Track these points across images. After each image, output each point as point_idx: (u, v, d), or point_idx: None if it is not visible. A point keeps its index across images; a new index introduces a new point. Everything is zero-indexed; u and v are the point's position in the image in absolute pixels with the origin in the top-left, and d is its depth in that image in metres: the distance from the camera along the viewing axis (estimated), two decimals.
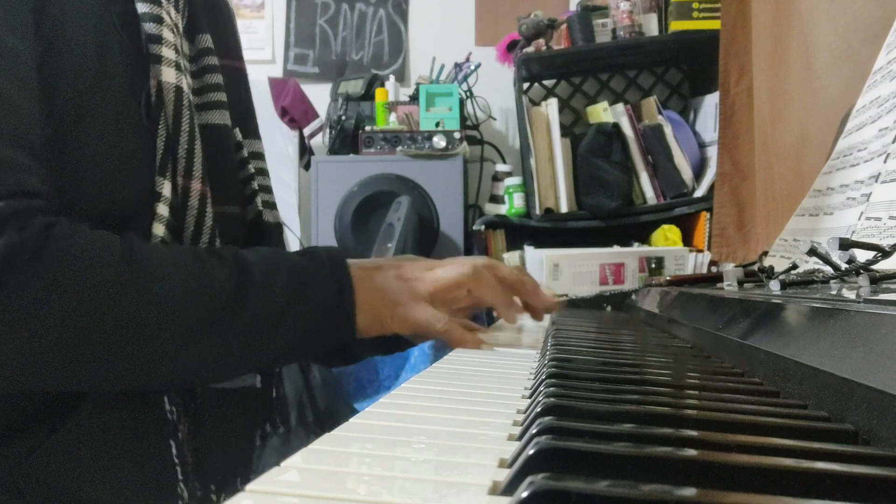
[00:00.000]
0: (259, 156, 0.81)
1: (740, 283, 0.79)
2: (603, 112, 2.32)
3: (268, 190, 0.81)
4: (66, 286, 0.55)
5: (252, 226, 0.77)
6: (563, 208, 2.26)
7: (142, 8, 0.67)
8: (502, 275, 0.78)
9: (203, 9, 0.75)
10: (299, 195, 2.51)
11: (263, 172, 0.81)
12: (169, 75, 0.67)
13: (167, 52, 0.67)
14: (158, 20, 0.67)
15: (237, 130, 0.77)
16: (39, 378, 0.57)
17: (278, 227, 0.81)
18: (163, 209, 0.65)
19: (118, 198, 0.63)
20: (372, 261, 0.74)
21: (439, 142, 2.28)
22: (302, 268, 0.67)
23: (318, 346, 0.69)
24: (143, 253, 0.60)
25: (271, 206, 0.80)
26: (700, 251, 2.10)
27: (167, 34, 0.67)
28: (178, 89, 0.67)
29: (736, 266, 0.85)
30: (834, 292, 0.55)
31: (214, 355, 0.62)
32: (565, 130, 2.39)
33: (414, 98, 2.44)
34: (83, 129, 0.62)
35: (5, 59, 0.58)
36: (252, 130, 0.81)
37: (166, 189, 0.66)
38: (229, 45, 0.79)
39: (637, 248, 2.17)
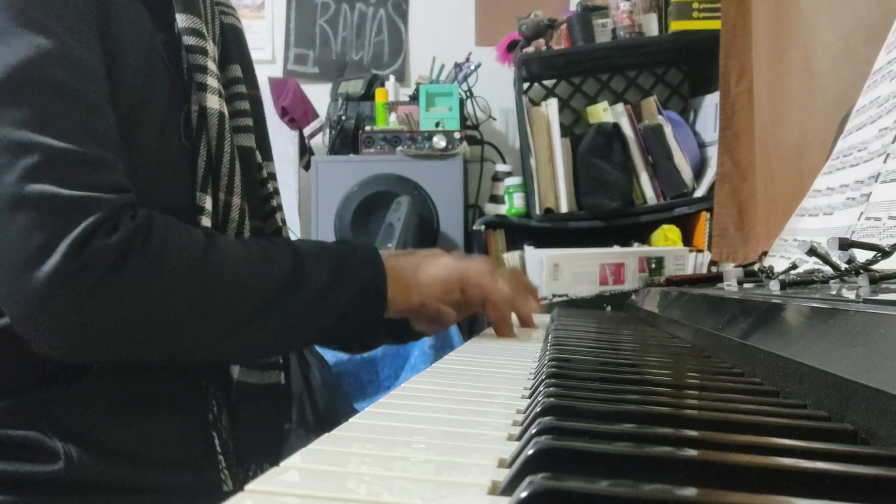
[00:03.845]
0: (274, 177, 0.89)
1: (740, 283, 0.79)
2: (603, 112, 2.32)
3: (281, 208, 0.89)
4: (164, 266, 0.64)
5: (272, 239, 0.85)
6: (563, 208, 2.26)
7: (188, 41, 0.74)
8: (520, 279, 0.89)
9: (233, 42, 0.83)
10: (299, 195, 2.51)
11: (277, 192, 0.89)
12: (213, 102, 0.74)
13: (211, 81, 0.75)
14: (204, 52, 0.75)
15: (257, 153, 0.84)
16: (138, 345, 0.65)
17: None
18: (206, 222, 0.73)
19: (156, 209, 0.68)
20: (398, 251, 0.85)
21: (439, 142, 2.28)
22: (343, 253, 0.76)
23: (357, 320, 0.77)
24: (219, 241, 0.69)
25: (284, 222, 0.89)
26: (700, 251, 2.10)
27: (210, 65, 0.75)
28: (222, 115, 0.75)
29: (736, 266, 0.85)
30: (834, 292, 0.55)
31: (276, 329, 0.70)
32: (565, 130, 2.39)
33: (414, 98, 2.44)
34: (130, 143, 0.68)
35: (83, 69, 0.64)
36: (268, 153, 0.88)
37: (208, 203, 0.73)
38: (249, 75, 0.86)
39: (637, 249, 2.17)
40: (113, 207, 0.62)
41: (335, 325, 0.75)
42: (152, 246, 0.63)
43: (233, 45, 0.83)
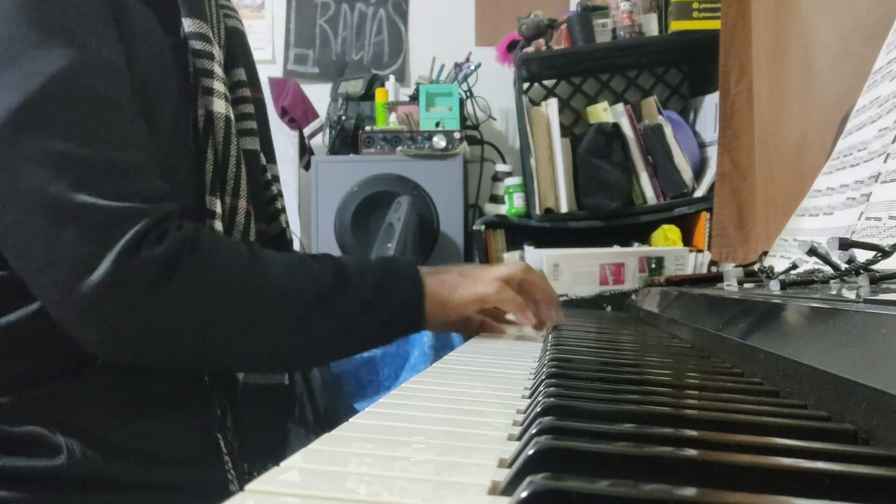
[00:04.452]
0: (278, 179, 0.90)
1: (740, 283, 0.79)
2: (603, 112, 2.32)
3: (285, 210, 0.90)
4: (213, 277, 0.66)
5: (275, 241, 0.86)
6: (563, 208, 2.26)
7: (195, 45, 0.75)
8: (535, 291, 0.87)
9: (237, 46, 0.84)
10: (299, 195, 2.51)
11: (281, 194, 0.90)
12: (220, 106, 0.75)
13: (217, 86, 0.75)
14: (210, 56, 0.75)
15: (262, 155, 0.85)
16: (185, 351, 0.67)
17: (292, 244, 0.92)
18: (218, 225, 0.74)
19: None
20: (437, 267, 0.86)
21: (439, 142, 2.28)
22: (385, 270, 0.77)
23: (396, 335, 0.79)
24: (264, 254, 0.71)
25: (288, 224, 0.90)
26: (700, 251, 2.09)
27: (217, 69, 0.76)
28: (228, 119, 0.75)
29: (736, 266, 0.85)
30: (834, 292, 0.55)
31: (318, 338, 0.72)
32: (565, 130, 2.39)
33: (414, 98, 2.44)
34: None
35: (112, 72, 0.65)
36: (271, 156, 0.89)
37: (218, 207, 0.74)
38: (253, 78, 0.87)
39: (637, 248, 2.17)
40: (157, 216, 0.63)
41: (373, 340, 0.77)
42: (201, 255, 0.65)
43: (237, 49, 0.84)
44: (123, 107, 0.65)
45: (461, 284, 0.82)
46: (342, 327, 0.72)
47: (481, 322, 0.86)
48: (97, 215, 0.61)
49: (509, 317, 0.93)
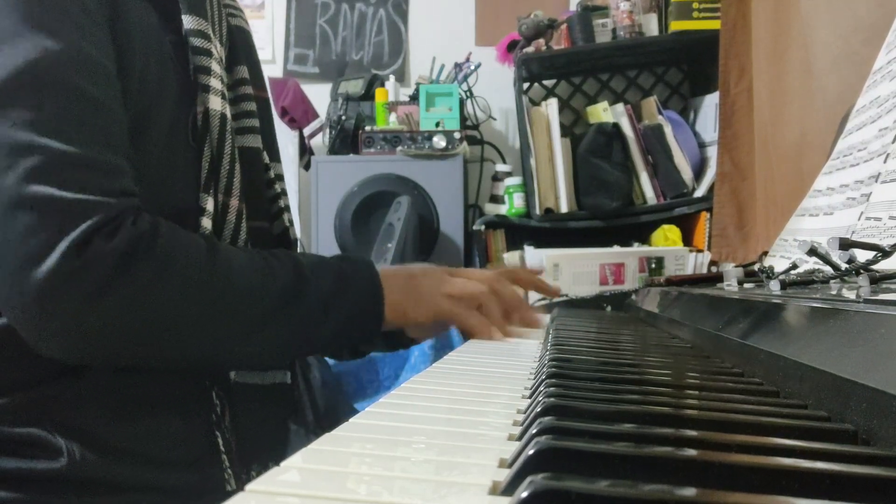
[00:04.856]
0: (281, 178, 0.89)
1: (740, 283, 0.79)
2: (603, 112, 2.32)
3: (289, 209, 0.89)
4: (170, 274, 0.64)
5: (278, 240, 0.86)
6: (563, 208, 2.26)
7: (194, 42, 0.74)
8: (506, 297, 0.86)
9: (241, 44, 0.84)
10: (299, 195, 2.51)
11: (285, 192, 0.89)
12: (216, 104, 0.75)
13: (214, 83, 0.75)
14: (209, 53, 0.75)
15: (264, 153, 0.84)
16: (140, 350, 0.65)
17: (296, 242, 0.92)
18: (206, 222, 0.73)
19: (164, 209, 0.69)
20: (400, 266, 0.85)
21: (439, 142, 2.28)
22: (342, 268, 0.76)
23: (355, 334, 0.78)
24: (223, 250, 0.70)
25: (292, 223, 0.89)
26: (700, 251, 2.10)
27: (215, 66, 0.75)
28: (223, 116, 0.75)
29: (736, 266, 0.85)
30: (834, 292, 0.55)
31: (277, 338, 0.71)
32: (565, 130, 2.39)
33: (414, 98, 2.44)
34: (142, 142, 0.69)
35: (92, 68, 0.64)
36: (275, 154, 0.89)
37: (209, 204, 0.74)
38: (257, 76, 0.86)
39: (637, 248, 2.17)
40: (112, 211, 0.62)
41: (334, 338, 0.76)
42: (158, 252, 0.64)
43: (240, 47, 0.84)
44: (99, 103, 0.64)
45: (422, 292, 0.81)
46: (302, 326, 0.72)
47: (449, 318, 0.83)
48: (52, 206, 0.60)
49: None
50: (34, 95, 0.61)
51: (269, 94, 0.92)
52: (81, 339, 0.62)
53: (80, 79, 0.63)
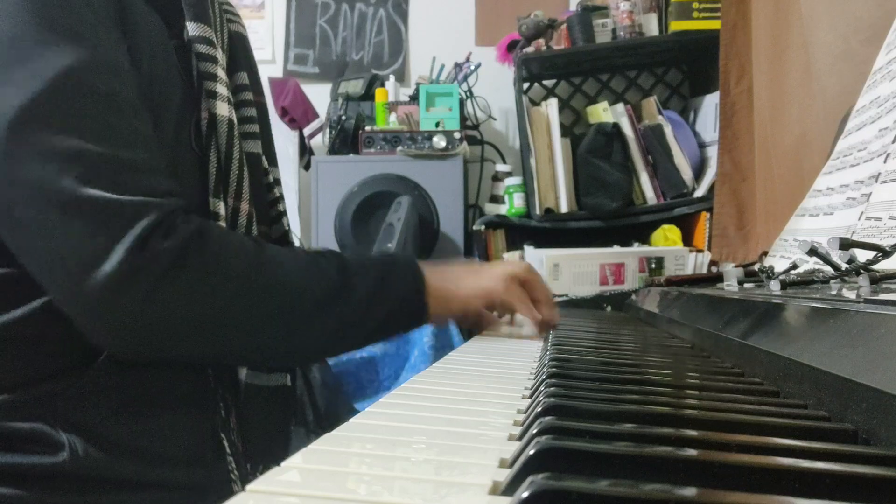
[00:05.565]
0: (279, 182, 0.90)
1: (740, 283, 0.79)
2: (603, 112, 2.31)
3: (286, 212, 0.90)
4: (222, 270, 0.66)
5: (277, 243, 0.86)
6: (563, 208, 2.26)
7: (199, 48, 0.76)
8: (536, 290, 0.89)
9: (240, 50, 0.85)
10: (299, 195, 2.51)
11: (283, 197, 0.91)
12: (223, 109, 0.76)
13: (220, 89, 0.76)
14: (214, 60, 0.76)
15: (263, 158, 0.85)
16: (192, 344, 0.67)
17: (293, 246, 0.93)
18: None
19: None
20: (436, 263, 0.87)
21: (439, 142, 2.28)
22: (385, 263, 0.79)
23: (397, 330, 0.80)
24: (270, 249, 0.72)
25: (290, 227, 0.90)
26: (700, 251, 2.09)
27: (220, 73, 0.77)
28: (231, 122, 0.76)
29: (736, 266, 0.85)
30: (834, 292, 0.55)
31: (324, 333, 0.73)
32: (565, 130, 2.39)
33: (414, 98, 2.44)
34: None
35: (119, 72, 0.66)
36: (273, 159, 0.90)
37: (221, 209, 0.75)
38: (255, 83, 0.88)
39: (637, 248, 2.17)
40: (164, 210, 0.64)
41: (376, 334, 0.78)
42: (210, 248, 0.66)
43: (240, 53, 0.85)
44: (131, 105, 0.66)
45: (466, 279, 0.83)
46: (347, 322, 0.73)
47: (479, 314, 0.87)
48: (106, 209, 0.61)
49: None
50: (72, 102, 0.63)
51: (267, 99, 0.93)
52: (142, 334, 0.64)
53: (111, 82, 0.65)
